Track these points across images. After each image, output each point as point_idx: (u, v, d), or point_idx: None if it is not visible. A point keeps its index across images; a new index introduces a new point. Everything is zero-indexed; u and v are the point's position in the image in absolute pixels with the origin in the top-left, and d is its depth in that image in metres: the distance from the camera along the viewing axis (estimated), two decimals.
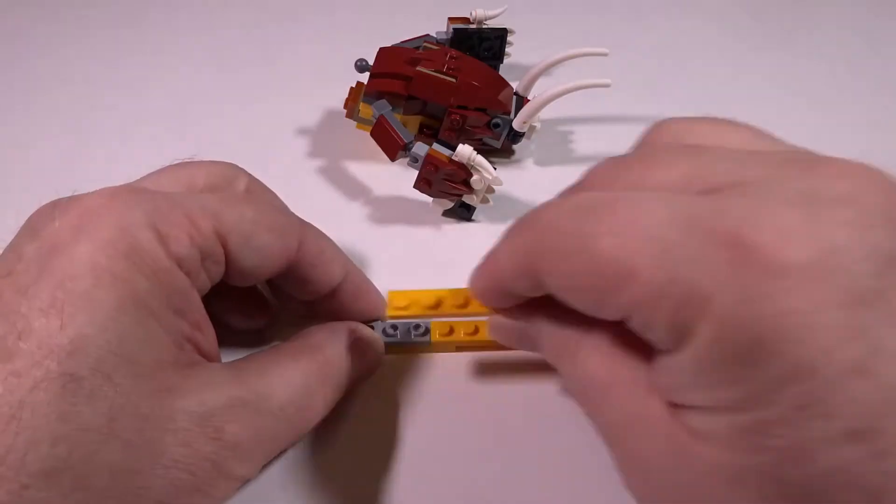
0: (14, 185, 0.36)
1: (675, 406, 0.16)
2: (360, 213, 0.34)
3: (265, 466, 0.22)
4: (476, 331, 0.26)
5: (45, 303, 0.17)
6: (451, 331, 0.26)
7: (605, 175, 0.19)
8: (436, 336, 0.26)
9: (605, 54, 0.35)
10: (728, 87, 0.43)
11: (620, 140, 0.38)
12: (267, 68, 0.45)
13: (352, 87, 0.38)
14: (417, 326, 0.26)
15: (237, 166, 0.25)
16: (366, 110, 0.35)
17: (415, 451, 0.24)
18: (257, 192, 0.25)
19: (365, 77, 0.36)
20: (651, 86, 0.43)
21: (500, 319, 0.22)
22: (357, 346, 0.24)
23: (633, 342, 0.17)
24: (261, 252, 0.21)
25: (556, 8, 0.52)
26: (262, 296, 0.27)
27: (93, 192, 0.19)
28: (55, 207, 0.19)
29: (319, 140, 0.39)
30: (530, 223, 0.19)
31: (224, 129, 0.40)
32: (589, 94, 0.33)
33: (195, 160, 0.24)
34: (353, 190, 0.35)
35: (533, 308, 0.20)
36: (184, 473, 0.18)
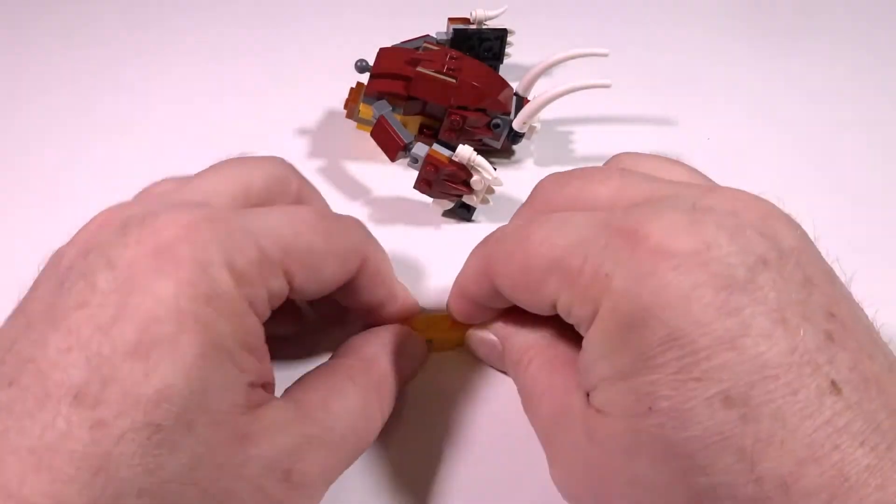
0: (17, 186, 0.36)
1: (588, 394, 0.19)
2: (360, 213, 0.34)
3: None
4: None
5: (130, 346, 0.16)
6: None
7: (549, 188, 0.23)
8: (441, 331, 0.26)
9: (605, 55, 0.35)
10: (728, 88, 0.43)
11: (620, 140, 0.39)
12: (267, 69, 0.45)
13: (352, 88, 0.38)
14: None
15: (286, 163, 0.24)
16: (366, 111, 0.35)
17: (420, 448, 0.24)
18: (308, 195, 0.25)
19: (365, 77, 0.36)
20: (651, 86, 0.43)
21: (475, 335, 0.25)
22: (404, 353, 0.24)
23: (568, 357, 0.21)
24: (323, 282, 0.21)
25: (556, 8, 0.52)
26: (296, 305, 0.27)
27: (166, 215, 0.18)
28: (126, 229, 0.18)
29: (319, 140, 0.39)
30: (485, 241, 0.23)
31: (224, 129, 0.40)
32: (589, 94, 0.33)
33: (247, 157, 0.23)
34: (353, 190, 0.35)
35: (501, 325, 0.24)
36: None
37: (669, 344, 0.16)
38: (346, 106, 0.38)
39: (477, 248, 0.23)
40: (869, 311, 0.18)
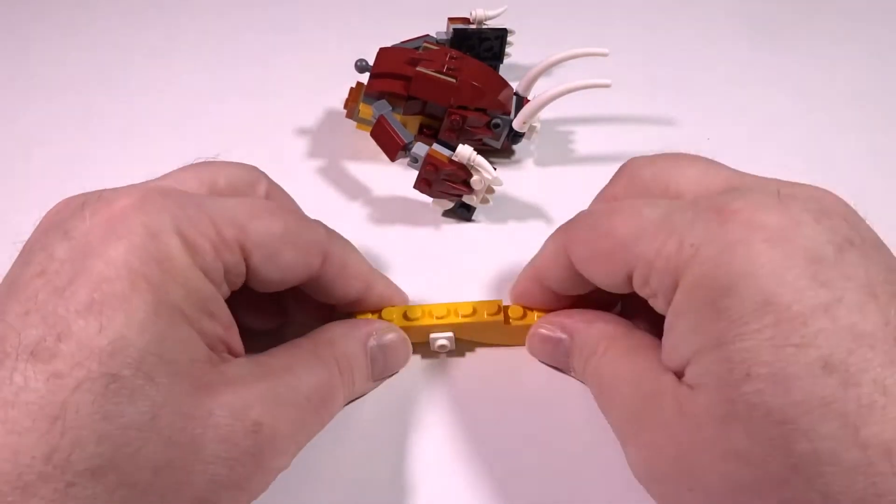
0: (17, 187, 0.36)
1: (679, 374, 0.19)
2: (360, 213, 0.34)
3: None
4: (474, 312, 0.26)
5: (83, 305, 0.17)
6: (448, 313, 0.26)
7: (634, 166, 0.23)
8: (431, 319, 0.26)
9: (605, 54, 0.35)
10: (728, 88, 0.43)
11: (620, 140, 0.38)
12: (267, 69, 0.45)
13: (352, 88, 0.38)
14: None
15: (258, 169, 0.25)
16: (366, 110, 0.35)
17: (419, 449, 0.24)
18: (277, 198, 0.25)
19: (365, 77, 0.36)
20: (651, 86, 0.43)
21: (539, 333, 0.25)
22: (378, 343, 0.25)
23: (647, 342, 0.21)
24: (282, 269, 0.22)
25: (556, 8, 0.52)
26: (279, 299, 0.27)
27: (122, 191, 0.19)
28: (84, 206, 0.19)
29: (319, 140, 0.39)
30: (567, 223, 0.23)
31: (225, 130, 0.40)
32: (589, 94, 0.33)
33: (216, 160, 0.24)
34: (353, 190, 0.35)
35: (567, 322, 0.24)
36: (224, 469, 0.18)
37: (765, 309, 0.16)
38: (346, 106, 0.38)
39: (557, 230, 0.24)
40: None
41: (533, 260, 0.25)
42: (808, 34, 0.49)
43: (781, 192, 0.18)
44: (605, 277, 0.21)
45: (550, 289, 0.25)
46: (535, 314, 0.26)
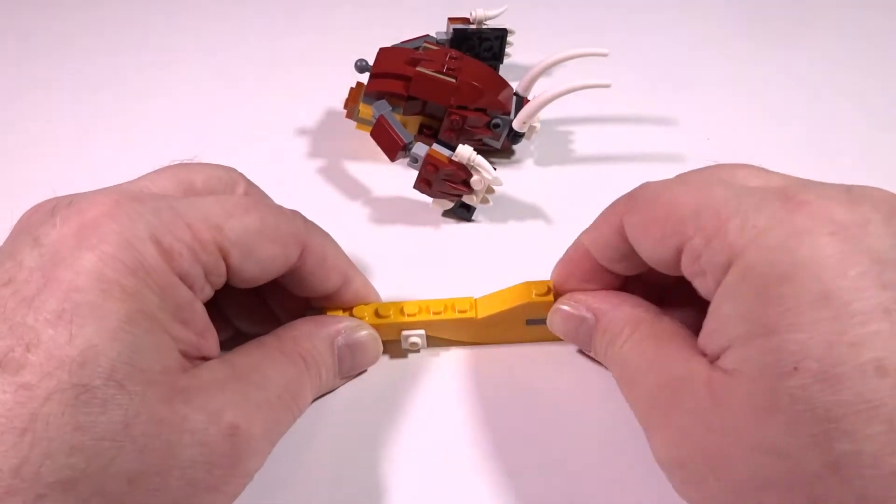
0: (15, 187, 0.36)
1: (714, 358, 0.18)
2: (360, 213, 0.34)
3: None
4: (445, 309, 0.26)
5: (52, 314, 0.16)
6: (419, 310, 0.26)
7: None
8: (402, 317, 0.26)
9: (605, 55, 0.35)
10: (728, 88, 0.43)
11: (620, 140, 0.38)
12: (267, 69, 0.45)
13: (352, 88, 0.38)
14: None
15: (235, 170, 0.24)
16: (366, 110, 0.35)
17: (404, 449, 0.24)
18: (255, 196, 0.25)
19: (365, 77, 0.36)
20: (651, 86, 0.43)
21: (563, 309, 0.24)
22: (346, 341, 0.25)
23: (675, 330, 0.21)
24: (262, 263, 0.21)
25: (556, 8, 0.52)
26: (267, 305, 0.27)
27: (93, 196, 0.19)
28: (54, 212, 0.19)
29: (319, 140, 0.39)
30: (626, 195, 0.22)
31: (224, 130, 0.40)
32: (589, 94, 0.33)
33: (193, 162, 0.24)
34: (353, 190, 0.35)
35: (594, 301, 0.24)
36: (201, 472, 0.18)
37: (823, 303, 0.15)
38: (345, 106, 0.38)
39: (616, 199, 0.23)
40: None
41: (584, 232, 0.24)
42: (808, 33, 0.49)
43: (852, 189, 0.18)
44: (654, 247, 0.20)
45: (596, 264, 0.24)
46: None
